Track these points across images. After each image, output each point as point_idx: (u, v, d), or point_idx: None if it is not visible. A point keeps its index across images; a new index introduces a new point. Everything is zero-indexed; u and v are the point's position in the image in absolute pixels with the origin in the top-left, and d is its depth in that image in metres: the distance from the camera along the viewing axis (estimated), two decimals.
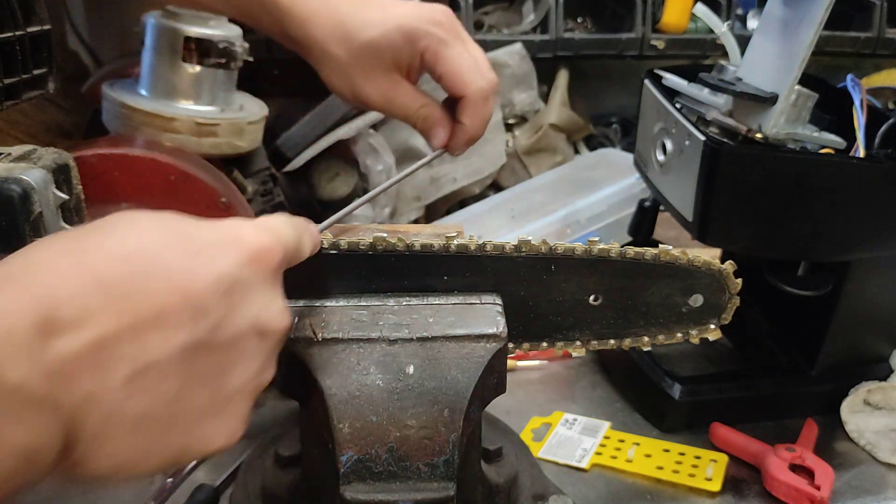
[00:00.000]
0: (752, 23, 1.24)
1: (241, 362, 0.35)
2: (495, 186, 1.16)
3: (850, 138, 0.67)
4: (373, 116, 1.02)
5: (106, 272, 0.31)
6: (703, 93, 0.68)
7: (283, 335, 0.38)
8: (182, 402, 0.33)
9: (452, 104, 0.63)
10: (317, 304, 0.47)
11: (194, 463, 0.67)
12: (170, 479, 0.65)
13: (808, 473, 0.65)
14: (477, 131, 0.63)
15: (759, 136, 0.64)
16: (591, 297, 0.51)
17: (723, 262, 0.52)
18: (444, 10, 0.63)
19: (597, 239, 0.50)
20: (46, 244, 0.33)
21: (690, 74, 0.70)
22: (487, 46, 1.16)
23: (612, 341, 0.52)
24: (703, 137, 0.63)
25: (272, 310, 0.37)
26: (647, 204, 0.84)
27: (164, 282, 0.32)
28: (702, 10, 0.75)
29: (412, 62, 0.63)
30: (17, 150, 0.50)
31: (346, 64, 0.63)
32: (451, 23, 0.63)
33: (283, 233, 0.40)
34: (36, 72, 0.59)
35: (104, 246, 0.32)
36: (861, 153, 0.67)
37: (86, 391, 0.30)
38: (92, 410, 0.30)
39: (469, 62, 0.62)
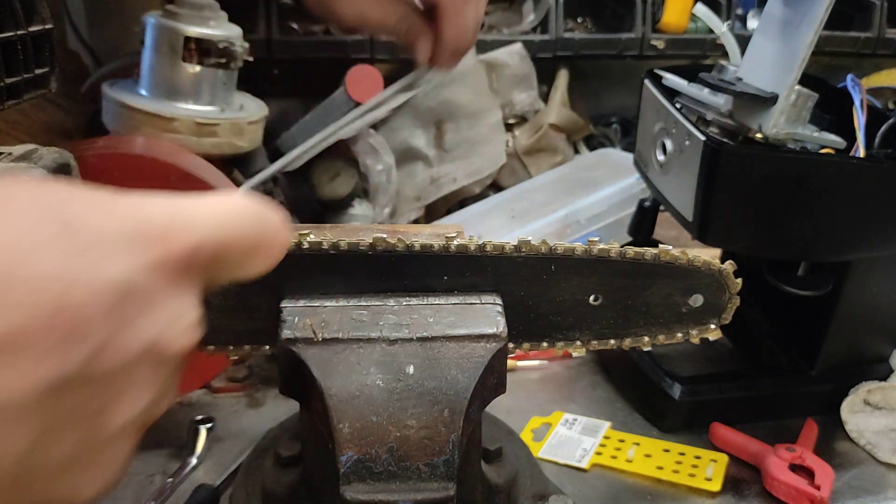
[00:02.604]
0: (752, 23, 1.24)
1: (127, 395, 0.27)
2: (495, 186, 1.16)
3: (850, 138, 0.67)
4: (373, 116, 1.01)
5: None
6: (703, 93, 0.68)
7: (186, 356, 0.30)
8: (41, 453, 0.25)
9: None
10: (317, 304, 0.47)
11: (194, 463, 0.67)
12: (170, 479, 0.65)
13: (808, 473, 0.65)
14: (460, 42, 0.57)
15: (759, 136, 0.64)
16: (591, 297, 0.51)
17: (723, 262, 0.52)
18: None
19: (597, 239, 0.50)
20: None
21: (690, 74, 0.70)
22: (487, 46, 1.16)
23: (612, 341, 0.52)
24: (703, 137, 0.63)
25: (178, 327, 0.29)
26: (647, 204, 0.84)
27: (30, 293, 0.24)
28: (702, 10, 0.75)
29: None
30: (18, 149, 0.50)
31: None
32: None
33: (215, 227, 0.30)
34: (37, 71, 0.59)
35: None
36: (861, 153, 0.67)
37: None
38: None
39: None
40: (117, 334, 0.26)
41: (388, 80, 1.00)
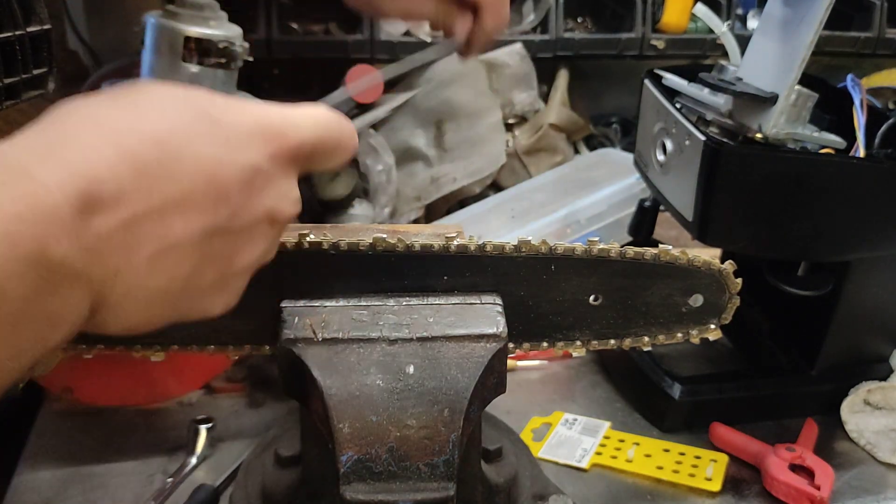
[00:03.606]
0: (752, 23, 1.23)
1: (250, 245, 0.38)
2: (495, 186, 1.16)
3: (850, 138, 0.67)
4: (373, 116, 1.02)
5: (140, 155, 0.33)
6: (703, 93, 0.68)
7: (291, 221, 0.41)
8: (194, 279, 0.36)
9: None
10: (317, 304, 0.47)
11: (194, 463, 0.67)
12: (170, 479, 0.65)
13: (808, 473, 0.65)
14: (497, 30, 0.69)
15: (759, 136, 0.64)
16: (591, 297, 0.51)
17: (723, 262, 0.52)
18: None
19: (597, 239, 0.50)
20: (79, 115, 0.34)
21: (690, 74, 0.70)
22: None
23: (612, 341, 0.52)
24: (703, 137, 0.63)
25: (287, 200, 0.39)
26: (647, 204, 0.84)
27: (193, 168, 0.34)
28: (702, 10, 0.75)
29: None
30: None
31: None
32: None
33: (312, 130, 0.40)
34: (36, 71, 0.59)
35: (139, 128, 0.34)
36: (861, 153, 0.67)
37: (114, 267, 0.32)
38: (116, 285, 0.33)
39: None
40: (248, 202, 0.37)
41: (389, 83, 1.00)
